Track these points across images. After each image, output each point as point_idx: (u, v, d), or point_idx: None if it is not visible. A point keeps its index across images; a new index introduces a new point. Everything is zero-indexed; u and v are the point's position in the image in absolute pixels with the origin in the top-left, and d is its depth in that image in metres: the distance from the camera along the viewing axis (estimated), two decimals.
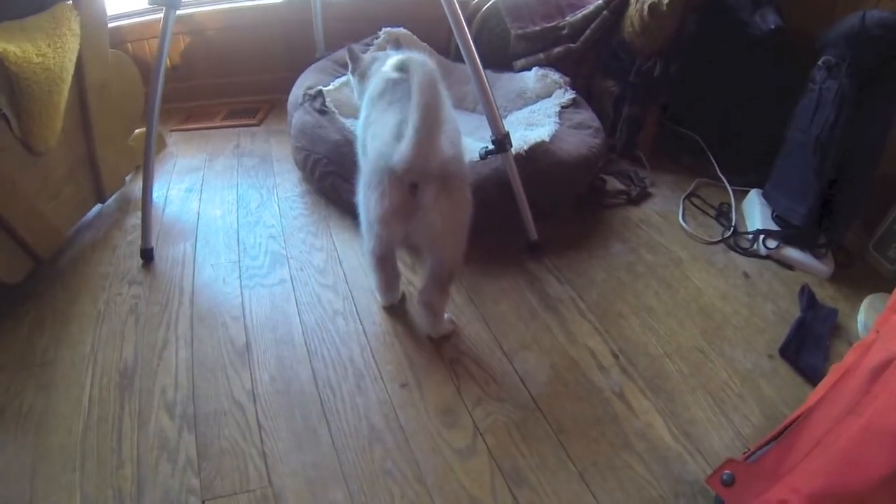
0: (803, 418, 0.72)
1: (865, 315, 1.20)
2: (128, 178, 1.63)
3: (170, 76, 2.08)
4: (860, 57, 1.22)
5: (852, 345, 1.08)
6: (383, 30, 1.84)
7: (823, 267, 1.33)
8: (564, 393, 1.03)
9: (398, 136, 0.90)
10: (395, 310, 1.20)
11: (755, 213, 1.48)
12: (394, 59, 1.12)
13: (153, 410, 0.99)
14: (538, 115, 1.59)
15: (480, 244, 1.32)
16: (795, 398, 1.02)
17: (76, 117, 1.35)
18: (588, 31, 1.74)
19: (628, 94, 1.71)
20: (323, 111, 1.48)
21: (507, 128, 1.27)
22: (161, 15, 1.23)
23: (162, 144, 1.85)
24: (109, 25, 1.80)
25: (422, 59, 0.89)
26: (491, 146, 1.20)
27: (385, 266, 1.12)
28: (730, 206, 1.55)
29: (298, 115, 1.53)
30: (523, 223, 1.32)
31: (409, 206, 0.93)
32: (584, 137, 1.48)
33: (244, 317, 1.18)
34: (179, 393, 1.02)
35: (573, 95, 1.65)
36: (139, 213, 1.41)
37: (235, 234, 1.42)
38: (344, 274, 1.29)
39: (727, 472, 0.75)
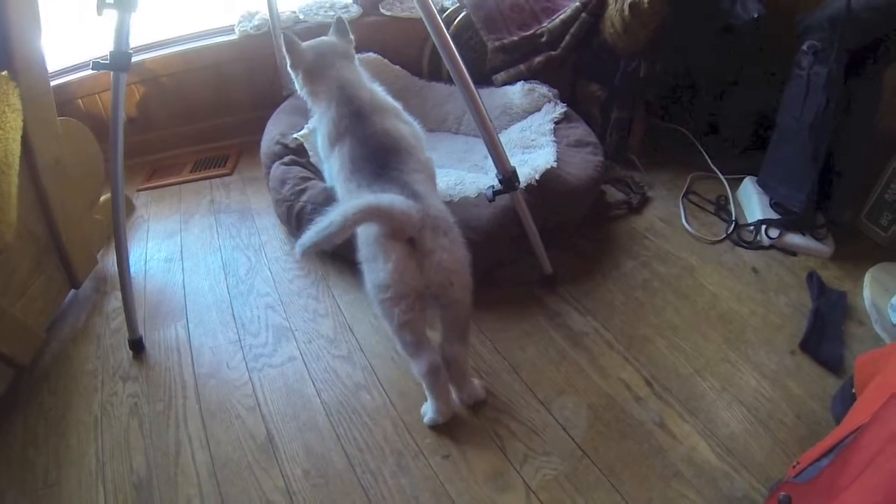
0: (854, 438, 0.73)
1: (870, 290, 1.25)
2: (100, 255, 1.52)
3: (127, 129, 1.95)
4: (848, 40, 1.22)
5: (863, 323, 1.18)
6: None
7: (825, 248, 1.37)
8: (607, 433, 1.02)
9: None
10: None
11: (753, 202, 1.49)
12: None
13: None
14: (531, 133, 1.55)
15: (494, 287, 1.32)
16: (822, 391, 1.06)
17: (32, 203, 1.25)
18: (568, 37, 1.69)
19: (615, 97, 1.69)
20: (305, 166, 1.41)
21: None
22: None
23: (130, 208, 1.74)
24: (54, 83, 1.69)
25: None
26: (498, 185, 1.14)
27: (430, 358, 0.99)
28: (727, 198, 1.57)
29: (277, 168, 1.45)
30: (536, 257, 1.27)
31: (413, 258, 0.93)
32: (586, 156, 1.45)
33: (259, 406, 1.11)
34: (207, 503, 0.96)
35: (564, 109, 1.62)
36: (119, 294, 1.31)
37: (230, 308, 1.34)
38: (357, 341, 1.23)
39: (784, 493, 0.76)
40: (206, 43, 1.89)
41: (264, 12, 1.78)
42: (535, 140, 1.51)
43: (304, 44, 1.19)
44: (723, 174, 1.63)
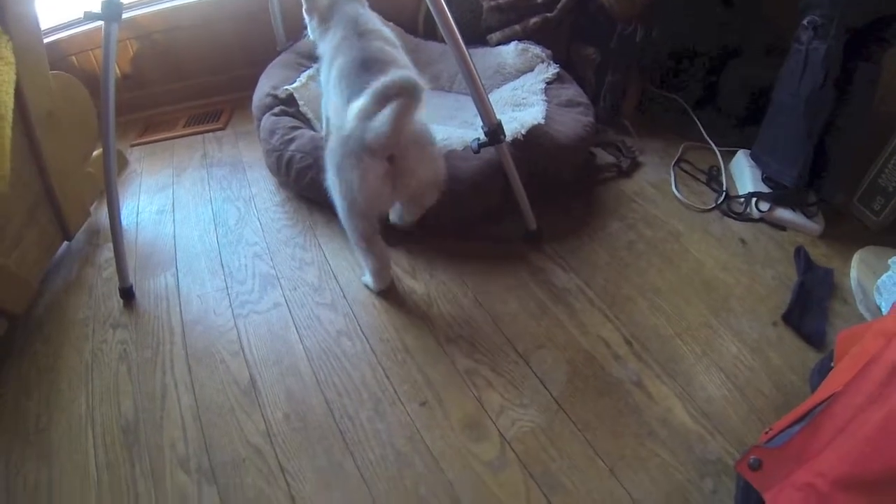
0: (827, 405, 0.74)
1: (857, 271, 1.24)
2: (93, 207, 1.53)
3: (121, 86, 1.96)
4: (848, 17, 1.19)
5: (847, 302, 1.17)
6: None
7: (815, 225, 1.35)
8: (585, 389, 1.03)
9: (367, 115, 0.93)
10: (400, 318, 1.17)
11: (745, 175, 1.48)
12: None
13: (166, 467, 0.96)
14: (523, 92, 1.54)
15: (480, 240, 1.33)
16: (802, 364, 1.05)
17: (25, 155, 1.25)
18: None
19: (610, 61, 1.66)
20: (295, 116, 1.40)
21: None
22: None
23: (123, 163, 1.75)
24: (48, 41, 1.68)
25: None
26: (483, 138, 1.14)
27: (375, 245, 1.14)
28: (719, 169, 1.55)
29: (266, 119, 1.45)
30: (521, 213, 1.27)
31: (389, 176, 1.00)
32: (575, 116, 1.44)
33: (243, 351, 1.14)
34: (191, 445, 0.99)
35: (557, 70, 1.60)
36: (111, 245, 1.33)
37: (218, 257, 1.36)
38: (340, 289, 1.25)
39: (754, 457, 0.77)
40: None
41: None
42: (525, 98, 1.50)
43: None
44: (716, 146, 1.61)
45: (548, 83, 1.56)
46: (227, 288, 1.27)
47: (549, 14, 1.68)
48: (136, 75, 1.94)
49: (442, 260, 1.29)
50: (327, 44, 1.21)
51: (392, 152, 0.98)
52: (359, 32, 1.16)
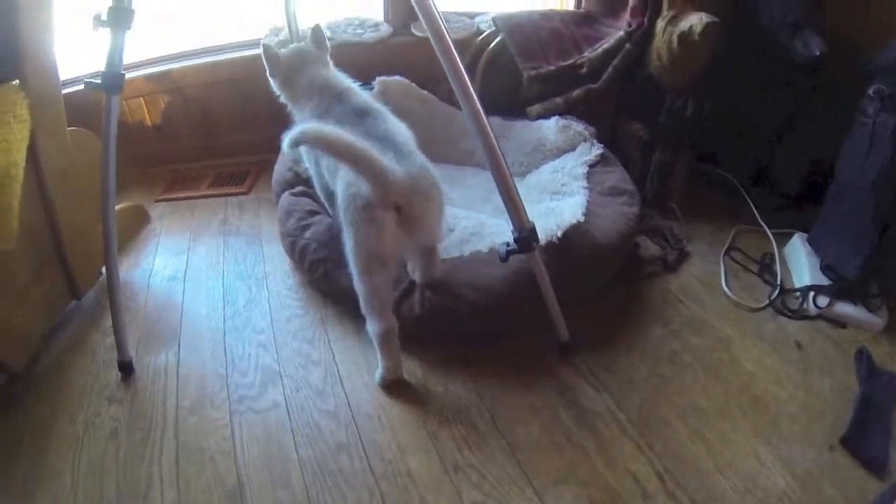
0: None
1: None
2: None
3: (151, 137, 2.04)
4: None
5: None
6: (377, 79, 1.76)
7: (878, 319, 1.27)
8: None
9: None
10: (406, 436, 1.11)
11: (801, 262, 1.41)
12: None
13: None
14: (563, 176, 1.49)
15: (502, 350, 1.26)
16: (861, 496, 0.97)
17: (37, 212, 1.28)
18: (610, 69, 1.63)
19: (658, 137, 1.61)
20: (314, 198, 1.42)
21: (530, 202, 1.23)
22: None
23: (146, 219, 1.80)
24: (74, 89, 1.77)
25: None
26: (512, 243, 1.09)
27: (388, 323, 1.14)
28: (773, 257, 1.48)
29: (285, 198, 1.47)
30: (552, 322, 1.23)
31: (399, 226, 1.06)
32: (619, 207, 1.37)
33: (234, 451, 1.10)
34: None
35: (601, 151, 1.56)
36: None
37: (223, 341, 1.34)
38: (346, 396, 1.20)
39: None
40: (232, 56, 1.93)
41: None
42: (565, 185, 1.46)
43: (281, 51, 1.31)
44: (770, 228, 1.56)
45: (590, 166, 1.51)
46: (227, 377, 1.25)
47: (593, 86, 1.65)
48: (166, 128, 2.01)
49: (458, 370, 1.22)
50: (306, 114, 1.24)
51: (397, 201, 1.03)
52: (336, 94, 1.22)
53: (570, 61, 1.68)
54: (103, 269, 1.52)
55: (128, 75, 1.89)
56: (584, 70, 1.66)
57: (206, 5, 2.28)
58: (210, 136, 2.04)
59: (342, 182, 1.08)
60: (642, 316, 1.35)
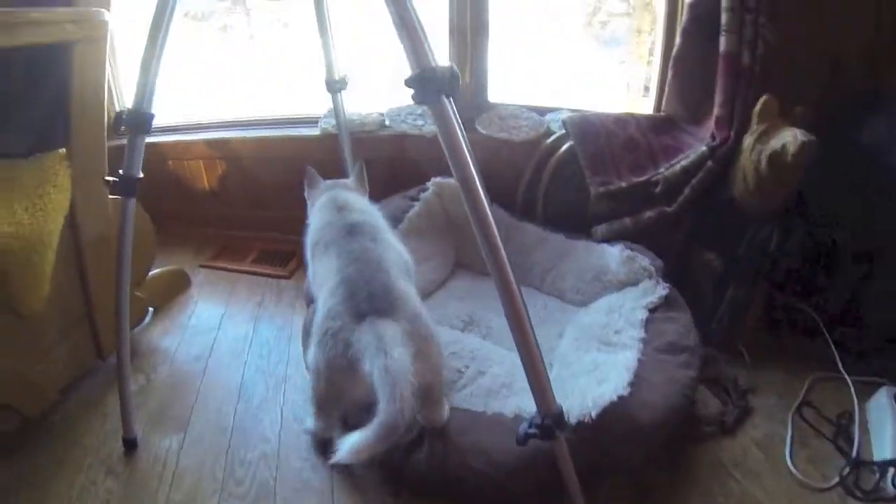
0: None
1: None
2: (139, 329, 1.69)
3: (207, 199, 2.21)
4: None
5: None
6: (433, 180, 1.80)
7: None
8: None
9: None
10: None
11: (885, 423, 1.27)
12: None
13: None
14: (619, 319, 1.42)
15: None
16: None
17: (71, 277, 1.40)
18: (687, 190, 1.57)
19: (735, 271, 1.52)
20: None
21: (576, 349, 1.24)
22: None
23: (186, 283, 1.93)
24: (149, 141, 1.94)
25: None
26: (534, 427, 0.97)
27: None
28: (851, 416, 1.35)
29: (309, 312, 1.44)
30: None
31: None
32: (675, 372, 1.27)
33: None
34: None
35: (665, 292, 1.47)
36: (141, 376, 1.54)
37: (228, 440, 1.37)
38: None
39: None
40: (290, 133, 2.07)
41: (351, 109, 1.89)
42: (619, 333, 1.38)
43: (324, 181, 1.47)
44: (853, 376, 1.42)
45: (651, 310, 1.43)
46: (223, 481, 1.26)
47: (667, 208, 1.59)
48: (221, 193, 2.18)
49: None
50: (312, 223, 1.37)
51: None
52: (338, 207, 1.32)
53: (644, 178, 1.64)
54: (135, 331, 1.62)
55: (190, 138, 2.17)
56: (658, 189, 1.61)
57: (271, 74, 2.47)
58: (262, 207, 2.19)
59: (323, 304, 1.13)
60: (686, 490, 1.24)
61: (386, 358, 0.93)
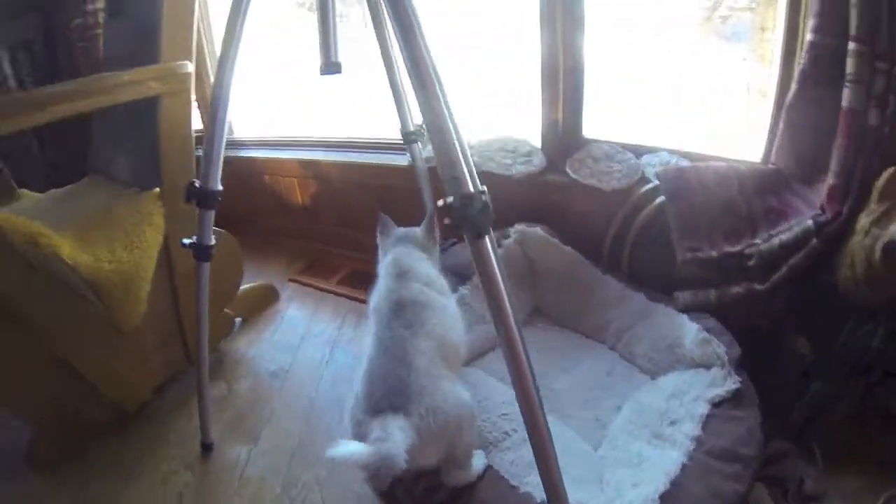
0: None
1: None
2: (228, 339, 1.91)
3: (298, 215, 2.42)
4: None
5: None
6: (515, 227, 1.80)
7: None
8: None
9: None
10: None
11: None
12: None
13: None
14: (679, 407, 1.37)
15: None
16: None
17: (164, 299, 1.62)
18: (784, 269, 1.44)
19: (826, 362, 1.41)
20: None
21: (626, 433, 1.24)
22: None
23: (274, 298, 2.14)
24: (246, 154, 2.17)
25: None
26: None
27: None
28: None
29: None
30: None
31: None
32: (721, 483, 1.21)
33: None
34: None
35: (736, 387, 1.38)
36: (223, 385, 1.75)
37: (287, 465, 1.51)
38: None
39: None
40: (379, 161, 2.14)
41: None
42: (674, 425, 1.33)
43: (397, 229, 1.52)
44: None
45: (715, 404, 1.36)
46: (279, 497, 1.42)
47: (758, 286, 1.47)
48: (314, 210, 2.36)
49: None
50: (375, 289, 1.38)
51: None
52: (397, 273, 1.33)
53: (739, 247, 1.52)
54: (219, 344, 1.83)
55: (284, 155, 2.37)
56: (751, 262, 1.50)
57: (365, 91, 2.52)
58: (352, 227, 2.32)
59: (356, 383, 1.19)
60: None
61: (381, 444, 1.00)
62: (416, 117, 1.77)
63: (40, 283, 1.32)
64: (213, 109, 1.25)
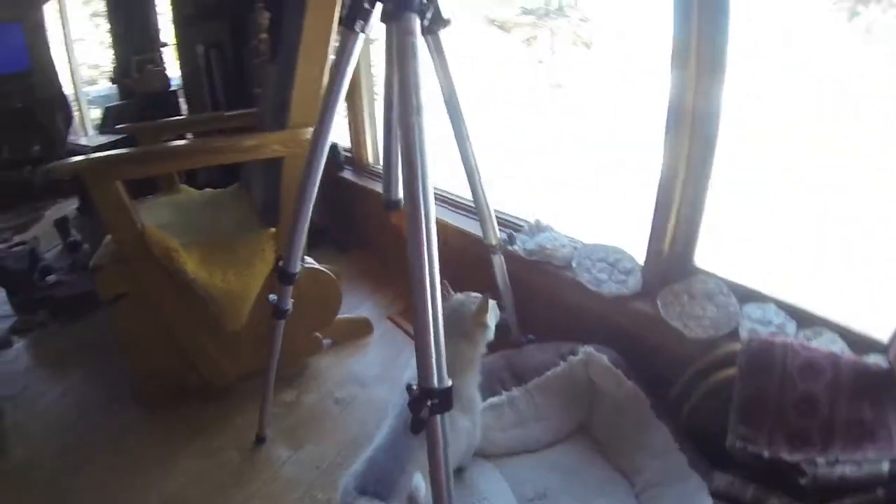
0: None
1: None
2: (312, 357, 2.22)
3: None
4: None
5: None
6: (584, 348, 1.78)
7: None
8: None
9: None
10: None
11: None
12: None
13: None
14: None
15: None
16: None
17: (265, 312, 1.84)
18: None
19: None
20: None
21: None
22: None
23: (367, 331, 2.39)
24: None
25: None
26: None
27: None
28: None
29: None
30: None
31: None
32: None
33: None
34: None
35: None
36: (294, 393, 2.06)
37: (315, 477, 1.74)
38: None
39: None
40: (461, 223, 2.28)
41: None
42: None
43: (453, 297, 1.57)
44: None
45: None
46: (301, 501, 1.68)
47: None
48: None
49: None
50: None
51: None
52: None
53: (797, 457, 1.35)
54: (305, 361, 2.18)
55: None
56: (802, 481, 1.33)
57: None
58: (455, 285, 2.38)
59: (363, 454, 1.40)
60: None
61: None
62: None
63: (172, 283, 1.76)
64: (298, 205, 1.48)
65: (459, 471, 1.61)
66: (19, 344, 2.50)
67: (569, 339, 1.87)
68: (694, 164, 1.66)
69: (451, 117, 1.57)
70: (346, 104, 2.90)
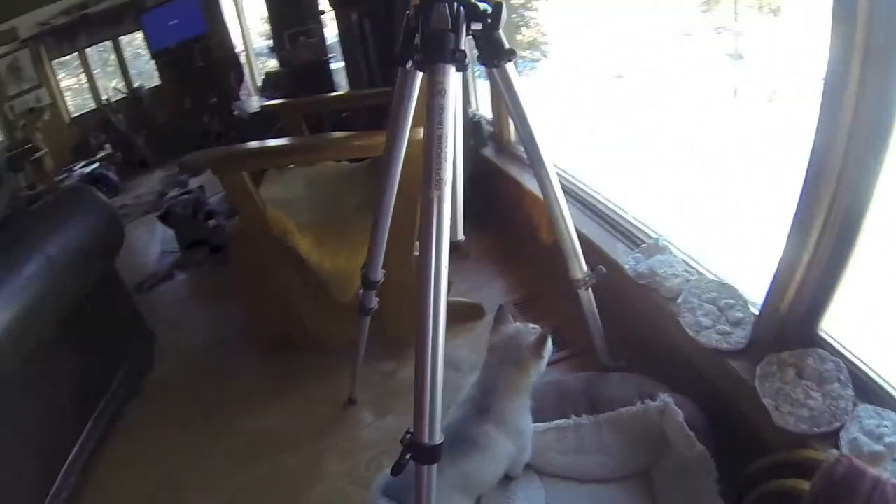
0: None
1: None
2: None
3: (543, 248, 2.58)
4: None
5: None
6: (663, 396, 1.66)
7: None
8: None
9: None
10: None
11: None
12: None
13: None
14: None
15: None
16: None
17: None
18: None
19: None
20: None
21: None
22: None
23: (478, 315, 2.44)
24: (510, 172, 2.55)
25: None
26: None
27: None
28: None
29: None
30: None
31: None
32: None
33: None
34: None
35: None
36: (394, 364, 2.26)
37: (382, 448, 1.93)
38: None
39: None
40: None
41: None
42: None
43: (510, 326, 1.57)
44: None
45: None
46: (362, 468, 1.90)
47: None
48: (550, 251, 2.34)
49: None
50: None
51: None
52: (481, 391, 1.52)
53: None
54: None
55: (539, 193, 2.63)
56: None
57: None
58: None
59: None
60: None
61: None
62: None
63: (289, 257, 2.00)
64: (376, 216, 1.59)
65: (508, 478, 1.66)
66: (181, 277, 3.13)
67: (660, 373, 1.78)
68: (840, 207, 1.32)
69: (526, 149, 1.50)
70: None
